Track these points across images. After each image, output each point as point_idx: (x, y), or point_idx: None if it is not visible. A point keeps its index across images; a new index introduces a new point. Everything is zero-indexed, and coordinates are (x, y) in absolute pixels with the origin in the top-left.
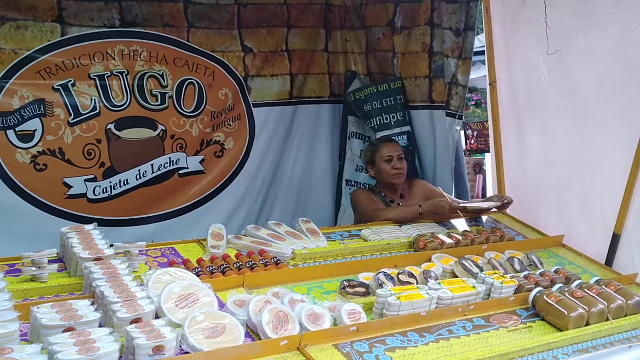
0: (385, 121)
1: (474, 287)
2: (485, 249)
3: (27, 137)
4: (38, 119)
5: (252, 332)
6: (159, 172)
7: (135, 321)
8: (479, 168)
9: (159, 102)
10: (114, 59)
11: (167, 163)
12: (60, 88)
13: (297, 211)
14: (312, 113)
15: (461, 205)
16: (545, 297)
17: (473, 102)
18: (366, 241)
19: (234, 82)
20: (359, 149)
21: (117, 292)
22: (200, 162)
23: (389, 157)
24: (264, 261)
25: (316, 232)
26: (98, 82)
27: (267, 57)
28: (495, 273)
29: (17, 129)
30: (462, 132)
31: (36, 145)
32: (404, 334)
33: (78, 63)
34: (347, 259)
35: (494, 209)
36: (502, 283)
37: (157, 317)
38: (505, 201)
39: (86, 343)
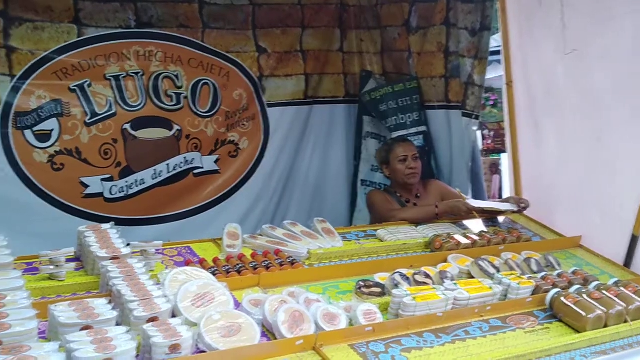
0: (400, 121)
1: (490, 287)
2: (502, 250)
3: (44, 136)
4: (55, 118)
5: (268, 332)
6: (174, 172)
7: (152, 320)
8: (495, 168)
9: (174, 102)
10: (129, 60)
11: (182, 163)
12: (77, 88)
13: (312, 211)
14: (327, 113)
15: (478, 206)
16: (562, 298)
17: (491, 102)
18: (382, 241)
19: (249, 82)
20: (375, 149)
21: (134, 290)
22: (215, 162)
23: (404, 157)
24: (280, 261)
25: (332, 231)
26: (113, 82)
27: (281, 57)
28: (512, 274)
29: (34, 129)
30: (479, 132)
31: (53, 144)
32: (419, 334)
33: (94, 64)
34: (362, 259)
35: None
36: (519, 284)
37: (173, 316)
38: (522, 205)
39: (103, 341)
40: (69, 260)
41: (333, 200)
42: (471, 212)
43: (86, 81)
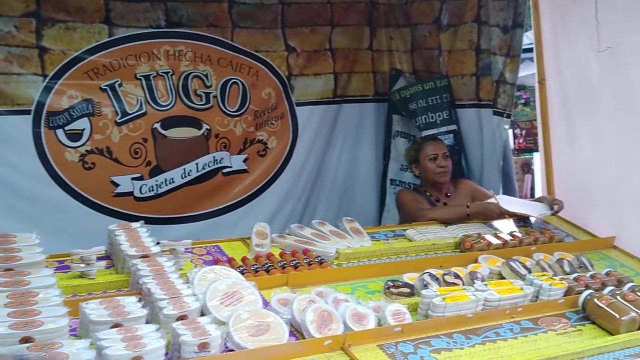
0: (430, 120)
1: (521, 288)
2: (534, 250)
3: (75, 136)
4: (86, 118)
5: (296, 331)
6: (203, 171)
7: (181, 318)
8: (527, 167)
9: (204, 102)
10: (159, 59)
11: (211, 162)
12: (107, 88)
13: (340, 210)
14: (356, 112)
15: (510, 210)
16: (595, 299)
17: (523, 100)
18: (411, 241)
19: (277, 82)
20: (404, 148)
21: (164, 289)
22: (244, 161)
23: (434, 155)
24: (308, 260)
25: (360, 231)
26: (144, 82)
27: (310, 56)
28: (544, 275)
29: (66, 128)
30: (510, 131)
31: (84, 144)
32: (449, 335)
33: (124, 63)
34: (391, 258)
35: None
36: (550, 285)
37: (202, 315)
38: (556, 207)
39: (133, 339)
40: (99, 259)
41: (362, 200)
42: (503, 215)
43: (117, 81)
